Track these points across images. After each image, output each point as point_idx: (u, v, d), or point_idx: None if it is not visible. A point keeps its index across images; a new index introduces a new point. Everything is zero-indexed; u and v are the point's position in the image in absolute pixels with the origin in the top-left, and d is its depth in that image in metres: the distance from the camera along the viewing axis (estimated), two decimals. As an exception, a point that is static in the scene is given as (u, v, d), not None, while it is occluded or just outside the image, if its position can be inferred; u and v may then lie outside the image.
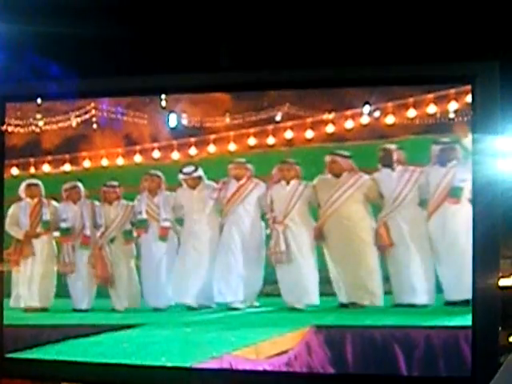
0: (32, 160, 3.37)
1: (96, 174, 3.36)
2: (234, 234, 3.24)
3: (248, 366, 2.96)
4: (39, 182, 3.41)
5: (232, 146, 3.20)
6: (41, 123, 3.31)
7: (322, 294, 3.13)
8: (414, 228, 3.02)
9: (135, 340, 3.12)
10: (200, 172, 3.28)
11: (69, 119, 3.29)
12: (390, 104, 2.95)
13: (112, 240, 3.39)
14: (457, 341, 2.77)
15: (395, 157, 3.02)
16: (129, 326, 3.19)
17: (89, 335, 3.17)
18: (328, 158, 3.10)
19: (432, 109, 2.91)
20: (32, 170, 3.38)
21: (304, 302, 3.13)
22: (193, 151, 3.25)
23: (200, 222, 3.29)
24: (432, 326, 2.85)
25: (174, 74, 3.06)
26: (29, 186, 3.41)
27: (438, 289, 2.97)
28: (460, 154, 2.88)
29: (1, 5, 2.96)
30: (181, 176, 3.30)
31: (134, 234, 3.39)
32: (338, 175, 3.11)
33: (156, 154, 3.30)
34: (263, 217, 3.23)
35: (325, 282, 3.12)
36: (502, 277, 2.90)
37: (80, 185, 3.38)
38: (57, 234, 3.43)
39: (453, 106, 2.86)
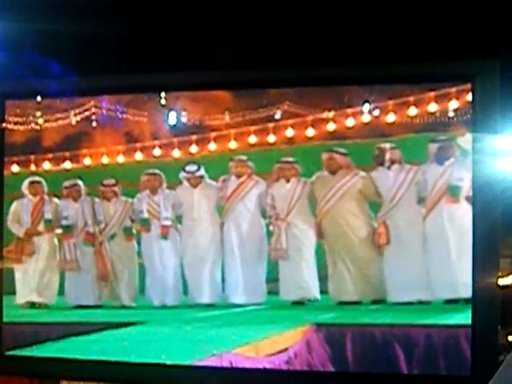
0: (32, 157, 3.37)
1: (96, 172, 3.36)
2: (234, 231, 3.25)
3: (248, 364, 2.95)
4: (42, 180, 3.41)
5: (232, 144, 3.20)
6: (41, 121, 3.31)
7: (322, 292, 3.14)
8: (411, 226, 3.03)
9: (135, 338, 3.12)
10: (202, 171, 3.28)
11: (68, 117, 3.29)
12: (390, 102, 2.95)
13: (112, 236, 3.39)
14: (456, 339, 2.77)
15: (388, 156, 3.02)
16: (128, 324, 3.20)
17: (88, 333, 3.17)
18: (325, 155, 3.11)
19: (432, 107, 2.91)
20: (32, 168, 3.39)
21: (305, 297, 3.15)
22: (193, 149, 3.25)
23: (200, 220, 3.29)
24: (431, 325, 2.86)
25: (174, 72, 3.05)
26: (32, 183, 3.42)
27: (435, 287, 2.96)
28: (457, 152, 2.88)
29: (0, 3, 2.95)
30: (183, 174, 3.31)
31: (134, 230, 3.39)
32: (334, 172, 3.12)
33: (156, 151, 3.30)
34: (263, 214, 3.23)
35: (325, 279, 3.13)
36: (502, 276, 2.90)
37: (80, 182, 3.39)
38: (58, 231, 3.43)
39: (453, 104, 2.86)
